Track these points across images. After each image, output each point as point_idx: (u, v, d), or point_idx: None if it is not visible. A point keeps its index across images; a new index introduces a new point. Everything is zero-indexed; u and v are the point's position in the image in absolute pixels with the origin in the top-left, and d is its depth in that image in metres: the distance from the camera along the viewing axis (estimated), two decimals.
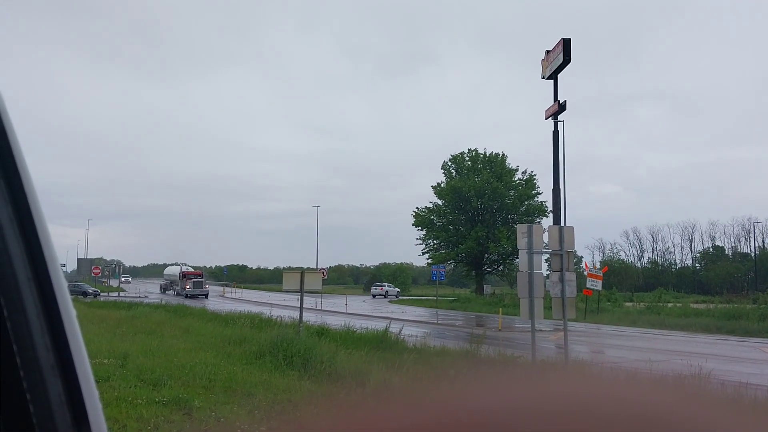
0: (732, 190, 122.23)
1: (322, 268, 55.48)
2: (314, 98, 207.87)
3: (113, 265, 72.87)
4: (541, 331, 19.65)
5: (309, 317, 32.04)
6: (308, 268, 43.83)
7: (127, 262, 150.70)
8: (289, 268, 35.88)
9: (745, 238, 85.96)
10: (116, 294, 51.69)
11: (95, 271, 54.60)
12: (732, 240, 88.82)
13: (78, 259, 61.51)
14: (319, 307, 40.78)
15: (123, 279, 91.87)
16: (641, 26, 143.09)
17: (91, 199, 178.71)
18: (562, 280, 11.75)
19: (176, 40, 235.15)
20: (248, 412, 8.33)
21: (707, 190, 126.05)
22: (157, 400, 8.55)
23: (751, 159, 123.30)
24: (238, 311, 25.18)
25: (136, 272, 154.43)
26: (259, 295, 59.74)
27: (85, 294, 46.58)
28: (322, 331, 18.15)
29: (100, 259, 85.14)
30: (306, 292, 17.30)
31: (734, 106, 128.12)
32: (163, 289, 64.02)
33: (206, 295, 55.31)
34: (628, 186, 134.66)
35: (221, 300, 49.86)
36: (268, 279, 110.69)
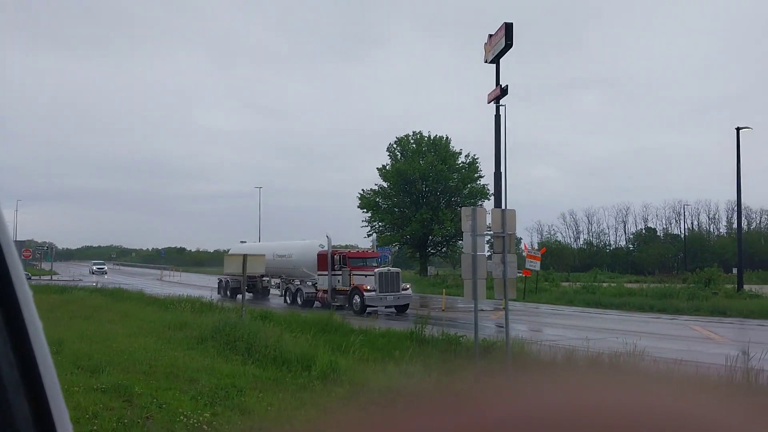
0: (664, 174, 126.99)
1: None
2: (259, 79, 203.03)
3: (45, 248, 69.79)
4: (482, 310, 19.99)
5: (251, 301, 31.69)
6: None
7: (60, 245, 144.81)
8: (227, 252, 35.00)
9: (676, 220, 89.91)
10: (48, 277, 49.81)
11: (26, 254, 52.42)
12: (663, 222, 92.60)
13: None
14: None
15: (96, 268, 68.06)
16: (583, 11, 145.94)
17: (21, 179, 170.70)
18: (503, 261, 11.96)
19: (113, 16, 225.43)
20: (191, 398, 8.18)
21: (641, 174, 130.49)
22: (95, 387, 8.30)
23: (682, 144, 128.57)
24: (177, 295, 24.64)
25: (70, 255, 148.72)
26: (199, 279, 58.60)
27: None
28: (265, 315, 18.00)
29: (31, 241, 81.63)
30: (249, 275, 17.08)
31: (668, 93, 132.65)
32: (231, 291, 33.39)
33: (405, 308, 25.97)
34: (567, 170, 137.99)
35: (159, 284, 48.64)
36: (208, 262, 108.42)
